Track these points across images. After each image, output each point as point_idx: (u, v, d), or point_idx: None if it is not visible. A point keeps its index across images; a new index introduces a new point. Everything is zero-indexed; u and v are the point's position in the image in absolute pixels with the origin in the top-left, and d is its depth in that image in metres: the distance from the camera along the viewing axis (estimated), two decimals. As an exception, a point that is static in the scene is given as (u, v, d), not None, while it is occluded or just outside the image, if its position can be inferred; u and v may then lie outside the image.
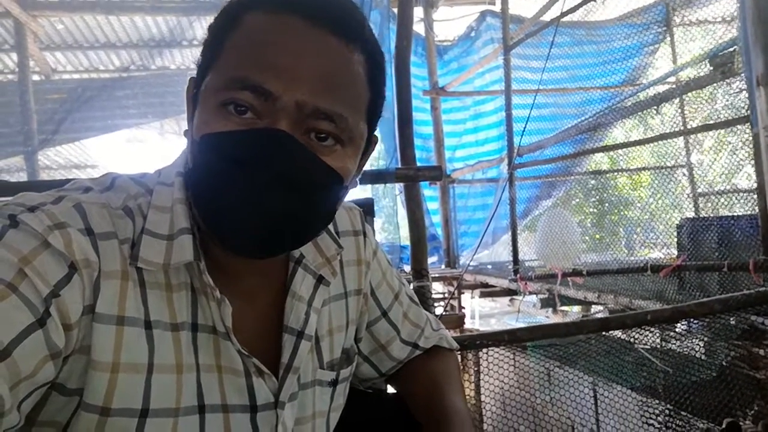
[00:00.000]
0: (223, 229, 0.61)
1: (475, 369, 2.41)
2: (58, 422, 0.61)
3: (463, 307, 4.79)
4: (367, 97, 0.65)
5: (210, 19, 0.67)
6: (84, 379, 0.59)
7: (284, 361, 0.71)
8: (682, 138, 5.04)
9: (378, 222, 5.94)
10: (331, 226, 0.79)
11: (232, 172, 0.59)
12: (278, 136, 0.58)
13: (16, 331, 0.53)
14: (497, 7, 5.04)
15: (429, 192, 6.15)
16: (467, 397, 3.01)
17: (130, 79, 6.23)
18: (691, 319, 2.21)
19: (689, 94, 4.46)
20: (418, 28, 6.15)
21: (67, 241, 0.58)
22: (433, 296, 4.86)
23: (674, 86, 3.36)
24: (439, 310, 4.74)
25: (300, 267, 0.74)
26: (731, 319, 1.99)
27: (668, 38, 5.65)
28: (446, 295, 4.70)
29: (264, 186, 0.59)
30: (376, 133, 0.73)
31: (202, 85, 0.63)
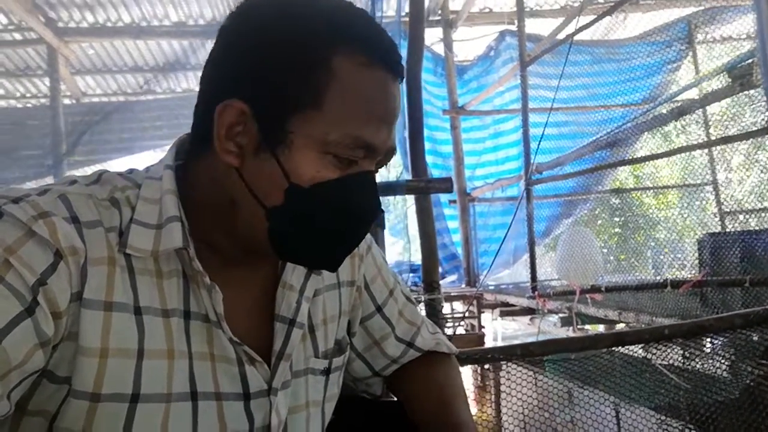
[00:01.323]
0: (301, 256, 0.69)
1: (496, 389, 2.37)
2: (48, 411, 0.61)
3: (483, 327, 4.73)
4: None
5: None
6: (73, 367, 0.60)
7: (276, 349, 0.72)
8: (707, 156, 4.96)
9: (398, 244, 5.94)
10: None
11: (337, 213, 0.65)
12: (372, 176, 0.67)
13: (5, 321, 0.54)
14: (516, 27, 5.06)
15: (449, 211, 6.13)
16: (487, 415, 2.96)
17: (156, 101, 6.41)
18: (714, 338, 2.14)
19: (715, 112, 4.40)
20: (438, 48, 6.20)
21: (52, 229, 0.58)
22: (454, 315, 4.83)
23: (695, 99, 3.31)
24: (460, 330, 4.69)
25: None
26: (754, 335, 1.92)
27: (691, 55, 5.59)
28: (467, 314, 4.64)
29: (359, 220, 0.68)
30: None
31: (290, 123, 0.62)
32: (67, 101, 6.43)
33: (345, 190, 0.64)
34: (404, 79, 0.75)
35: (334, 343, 0.81)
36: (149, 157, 6.52)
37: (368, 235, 0.88)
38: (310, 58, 0.62)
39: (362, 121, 0.63)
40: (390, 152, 0.68)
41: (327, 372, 0.79)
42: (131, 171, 0.72)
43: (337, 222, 0.66)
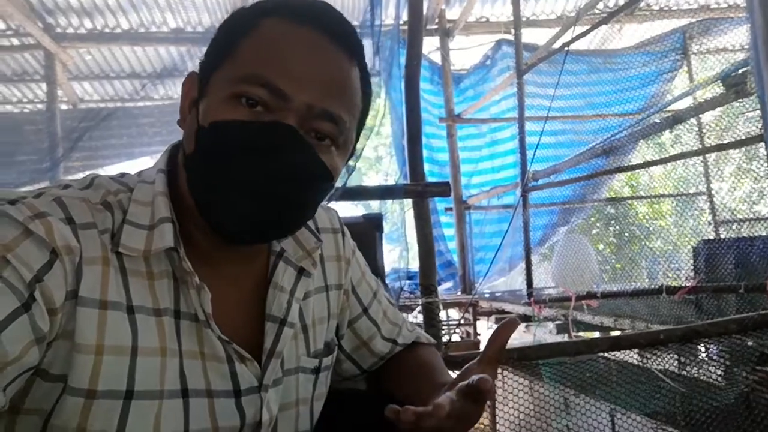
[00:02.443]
0: (218, 211, 0.64)
1: (491, 398, 2.37)
2: (43, 409, 0.61)
3: (479, 334, 4.73)
4: (360, 108, 0.72)
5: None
6: (67, 365, 0.60)
7: (267, 347, 0.73)
8: (702, 166, 4.99)
9: (395, 251, 5.94)
10: (311, 223, 0.83)
11: (239, 158, 0.63)
12: (287, 129, 0.63)
13: (3, 315, 0.55)
14: (513, 36, 5.10)
15: (445, 218, 6.14)
16: (483, 423, 2.95)
17: (153, 107, 6.41)
18: (709, 344, 2.15)
19: (709, 121, 4.43)
20: (435, 56, 6.23)
21: (48, 228, 0.59)
22: (449, 322, 4.83)
23: (689, 107, 3.34)
24: (455, 337, 4.69)
25: (281, 260, 0.77)
26: (748, 341, 1.93)
27: (686, 66, 5.64)
28: (462, 321, 4.64)
29: (266, 174, 0.63)
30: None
31: (212, 76, 0.66)
32: (64, 106, 6.43)
33: (249, 134, 0.62)
34: (364, 71, 0.72)
35: (323, 345, 0.82)
36: (146, 162, 6.53)
37: (351, 240, 0.90)
38: (242, 22, 0.67)
39: (267, 61, 0.64)
40: (324, 114, 0.65)
41: (317, 371, 0.80)
42: (123, 175, 0.73)
43: (241, 169, 0.63)
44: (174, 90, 6.55)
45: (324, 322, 0.83)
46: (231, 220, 0.64)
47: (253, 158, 0.62)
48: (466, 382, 0.61)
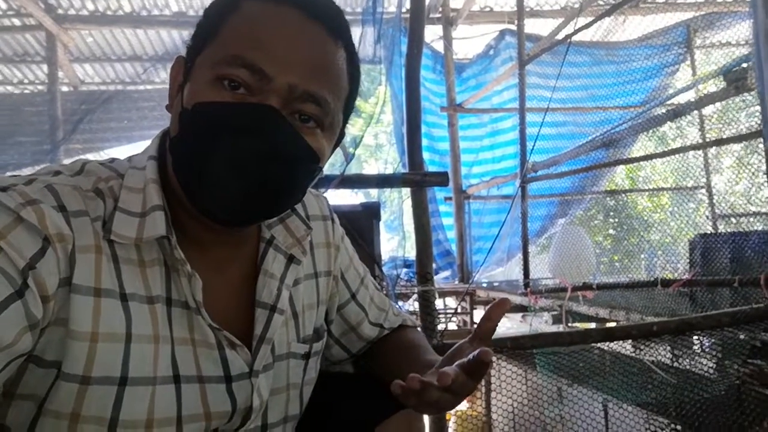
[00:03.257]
0: (202, 193, 0.64)
1: (486, 386, 2.39)
2: (37, 395, 0.62)
3: (475, 323, 4.75)
4: (346, 90, 0.71)
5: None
6: (61, 351, 0.61)
7: (257, 333, 0.73)
8: (701, 160, 5.00)
9: (394, 240, 5.96)
10: (300, 210, 0.83)
11: (222, 139, 0.62)
12: (268, 110, 0.63)
13: None
14: (516, 26, 5.08)
15: (444, 208, 6.15)
16: (478, 411, 2.98)
17: (155, 90, 6.40)
18: (702, 336, 2.17)
19: (710, 113, 4.43)
20: (438, 45, 6.21)
21: (40, 216, 0.59)
22: (446, 311, 4.85)
23: (690, 101, 3.34)
24: (452, 326, 4.72)
25: (271, 247, 0.77)
26: (741, 334, 1.95)
27: (689, 59, 5.63)
28: (459, 310, 4.67)
29: (249, 154, 0.62)
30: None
31: (197, 60, 0.66)
32: (65, 88, 6.41)
33: (230, 115, 0.62)
34: (352, 53, 0.71)
35: (312, 331, 0.83)
36: (146, 146, 6.52)
37: (340, 227, 0.91)
38: (224, 5, 0.67)
39: (248, 42, 0.63)
40: (306, 95, 0.65)
41: (307, 356, 0.81)
42: (113, 160, 0.73)
43: (223, 151, 0.62)
44: (175, 74, 6.52)
45: (313, 308, 0.84)
46: (215, 202, 0.64)
47: (235, 140, 0.62)
48: (468, 357, 0.61)
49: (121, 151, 6.47)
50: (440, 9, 6.11)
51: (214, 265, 0.72)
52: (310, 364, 0.82)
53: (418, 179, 1.95)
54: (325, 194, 0.96)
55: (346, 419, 0.82)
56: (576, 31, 3.49)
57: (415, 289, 2.09)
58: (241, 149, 0.62)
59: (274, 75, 0.63)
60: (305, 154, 0.66)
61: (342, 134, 0.76)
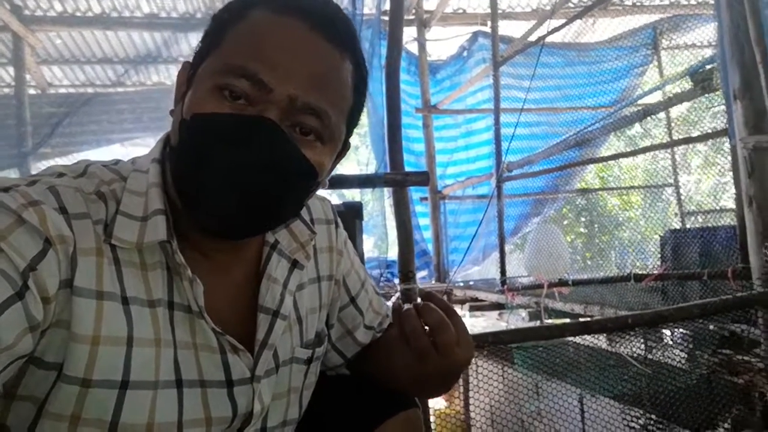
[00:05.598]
0: (198, 205, 0.64)
1: (465, 384, 2.43)
2: (37, 397, 0.61)
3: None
4: (350, 103, 0.70)
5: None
6: (62, 353, 0.60)
7: (259, 338, 0.73)
8: (670, 159, 5.15)
9: (369, 241, 5.97)
10: (305, 214, 0.83)
11: (218, 152, 0.62)
12: (266, 123, 0.62)
13: None
14: (489, 28, 5.15)
15: (420, 208, 6.19)
16: (456, 410, 3.01)
17: (126, 93, 6.30)
18: (674, 329, 2.25)
19: (677, 115, 4.56)
20: (412, 47, 6.25)
21: (42, 217, 0.59)
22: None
23: (659, 101, 3.44)
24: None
25: (275, 252, 0.77)
26: (711, 325, 2.03)
27: (656, 61, 5.79)
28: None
29: (244, 168, 0.62)
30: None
31: (200, 68, 0.66)
32: (32, 91, 6.27)
33: (227, 127, 0.62)
34: (358, 64, 0.71)
35: (314, 336, 0.83)
36: (117, 150, 6.42)
37: (343, 231, 0.91)
38: (231, 13, 0.67)
39: (250, 52, 0.63)
40: (307, 108, 0.64)
41: (309, 361, 0.81)
42: (116, 162, 0.73)
43: (219, 163, 0.62)
44: (147, 77, 6.44)
45: (315, 312, 0.84)
46: (210, 215, 0.64)
47: (231, 153, 0.61)
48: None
49: (92, 155, 6.35)
50: (414, 11, 6.15)
51: (216, 268, 0.72)
52: (311, 368, 0.81)
53: (399, 179, 1.97)
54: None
55: (346, 420, 0.82)
56: (548, 33, 3.56)
57: (397, 288, 2.12)
58: (236, 163, 0.62)
59: (275, 86, 0.62)
60: (303, 169, 0.66)
61: (347, 146, 0.75)
